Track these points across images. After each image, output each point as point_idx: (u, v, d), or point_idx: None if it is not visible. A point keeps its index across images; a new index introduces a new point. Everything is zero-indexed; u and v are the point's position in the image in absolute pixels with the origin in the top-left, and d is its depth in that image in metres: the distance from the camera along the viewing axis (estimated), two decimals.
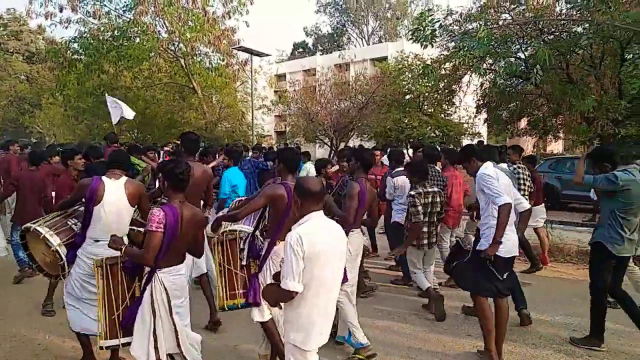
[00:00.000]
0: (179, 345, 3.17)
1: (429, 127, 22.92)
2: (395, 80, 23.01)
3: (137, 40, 16.84)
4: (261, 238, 3.82)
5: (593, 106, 9.86)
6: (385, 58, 33.21)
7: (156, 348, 3.10)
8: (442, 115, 24.47)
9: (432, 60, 22.98)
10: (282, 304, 2.86)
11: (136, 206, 3.88)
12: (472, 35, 7.45)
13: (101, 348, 3.38)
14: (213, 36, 15.70)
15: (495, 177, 3.95)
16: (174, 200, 3.15)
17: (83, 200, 3.74)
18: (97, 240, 3.63)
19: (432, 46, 7.65)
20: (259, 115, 22.41)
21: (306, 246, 2.58)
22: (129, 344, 3.23)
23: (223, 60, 17.30)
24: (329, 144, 19.90)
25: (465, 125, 25.81)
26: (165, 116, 20.19)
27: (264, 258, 3.67)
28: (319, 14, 51.22)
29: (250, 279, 3.72)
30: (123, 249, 3.15)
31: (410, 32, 7.78)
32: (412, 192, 5.10)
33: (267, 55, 15.39)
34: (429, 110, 24.61)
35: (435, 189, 5.30)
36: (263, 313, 3.67)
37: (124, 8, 16.49)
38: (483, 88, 15.84)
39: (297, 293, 2.62)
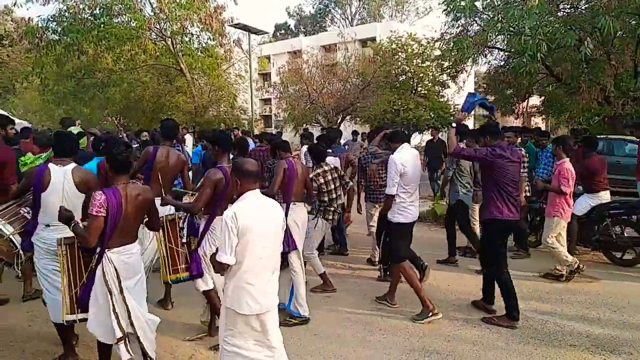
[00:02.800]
0: (132, 325, 3.25)
1: (424, 109, 22.39)
2: (388, 60, 22.41)
3: (120, 18, 15.69)
4: (197, 217, 4.16)
5: (612, 84, 9.46)
6: (373, 39, 32.47)
7: (119, 324, 3.19)
8: (436, 97, 24.03)
9: (427, 40, 22.62)
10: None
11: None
12: (517, 6, 6.84)
13: (65, 322, 3.48)
14: (204, 14, 14.65)
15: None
16: (117, 182, 3.24)
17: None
18: (48, 225, 3.67)
19: (470, 17, 7.08)
20: (249, 99, 21.54)
21: (240, 222, 2.80)
22: (85, 320, 3.34)
23: (213, 40, 16.22)
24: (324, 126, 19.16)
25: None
26: (152, 100, 19.09)
27: (203, 233, 4.02)
28: None
29: (191, 254, 4.09)
30: (72, 225, 3.22)
31: (443, 3, 7.23)
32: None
33: (265, 32, 14.49)
34: (423, 92, 24.15)
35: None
36: (207, 282, 4.09)
37: None
38: (491, 67, 15.40)
39: (229, 265, 2.85)
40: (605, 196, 6.40)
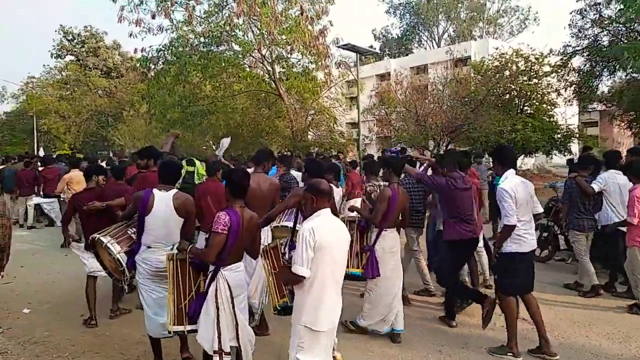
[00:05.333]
0: (237, 338, 3.41)
1: (533, 130, 20.58)
2: (492, 79, 20.99)
3: (225, 46, 15.93)
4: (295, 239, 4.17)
5: None
6: (467, 58, 31.10)
7: (219, 338, 3.36)
8: (545, 116, 22.12)
9: (535, 56, 21.04)
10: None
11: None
12: None
13: (169, 332, 3.66)
14: (309, 37, 14.41)
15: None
16: (234, 204, 3.50)
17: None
18: (149, 247, 3.92)
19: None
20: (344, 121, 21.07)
21: (317, 237, 2.99)
22: (194, 331, 3.55)
23: (316, 63, 15.94)
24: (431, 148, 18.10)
25: (573, 127, 23.28)
26: (251, 125, 19.27)
27: None
28: (389, 18, 49.44)
29: None
30: (188, 249, 3.60)
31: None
32: None
33: (374, 52, 13.95)
34: (529, 112, 22.36)
35: None
36: None
37: (215, 10, 15.52)
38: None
39: (304, 278, 3.01)
40: None
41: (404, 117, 17.20)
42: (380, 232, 4.61)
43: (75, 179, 9.36)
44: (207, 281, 3.46)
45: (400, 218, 4.89)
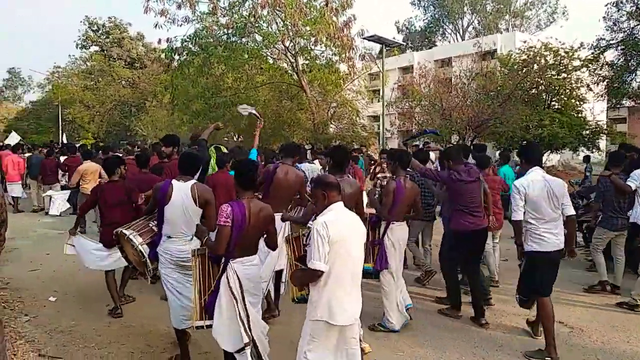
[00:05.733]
0: (250, 331, 3.33)
1: (561, 126, 20.01)
2: (519, 72, 20.47)
3: (250, 37, 15.82)
4: None
5: None
6: (494, 51, 30.40)
7: (245, 330, 3.28)
8: (574, 112, 21.49)
9: (565, 50, 20.44)
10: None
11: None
12: None
13: (196, 327, 3.62)
14: (335, 28, 14.21)
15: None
16: (243, 196, 3.43)
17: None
18: (170, 237, 3.96)
19: None
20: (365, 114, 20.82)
21: (331, 231, 2.93)
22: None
23: (339, 55, 15.73)
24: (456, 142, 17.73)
25: (601, 124, 22.62)
26: (272, 117, 19.19)
27: None
28: (413, 10, 48.75)
29: None
30: (204, 240, 3.58)
31: None
32: None
33: (401, 44, 13.68)
34: (557, 107, 21.76)
35: None
36: None
37: (239, 1, 15.44)
38: None
39: (322, 272, 2.95)
40: None
41: (428, 110, 16.86)
42: (389, 225, 4.67)
43: (90, 170, 9.35)
44: (219, 274, 3.41)
45: (413, 212, 4.95)
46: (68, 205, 10.21)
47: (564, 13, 46.63)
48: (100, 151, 11.91)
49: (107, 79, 38.41)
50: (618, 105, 24.46)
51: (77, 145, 17.41)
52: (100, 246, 5.10)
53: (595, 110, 24.38)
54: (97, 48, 42.67)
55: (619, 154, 6.74)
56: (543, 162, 22.00)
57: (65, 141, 26.22)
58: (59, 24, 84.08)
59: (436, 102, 16.50)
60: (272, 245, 3.77)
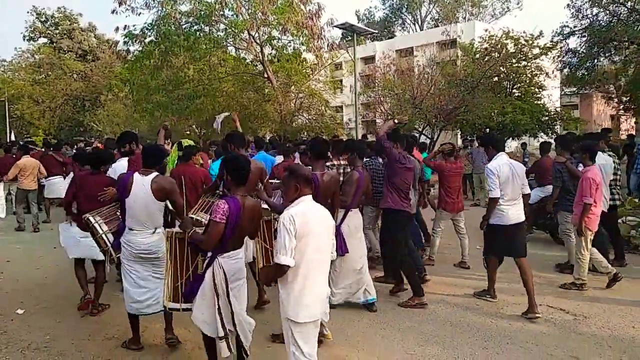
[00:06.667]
0: (234, 325, 3.37)
1: (522, 113, 20.48)
2: (481, 61, 20.75)
3: (215, 27, 15.20)
4: None
5: None
6: (454, 41, 30.75)
7: (222, 323, 3.32)
8: (533, 98, 22.01)
9: (525, 38, 20.86)
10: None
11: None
12: None
13: (165, 307, 3.78)
14: (302, 17, 13.83)
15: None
16: (236, 192, 3.38)
17: None
18: (131, 229, 3.97)
19: None
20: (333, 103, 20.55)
21: (298, 225, 2.90)
22: (188, 309, 3.58)
23: (308, 44, 15.35)
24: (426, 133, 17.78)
25: (559, 110, 23.32)
26: (238, 110, 18.60)
27: None
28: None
29: None
30: (189, 233, 3.49)
31: None
32: None
33: (373, 32, 13.49)
34: (517, 94, 22.25)
35: None
36: None
37: None
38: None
39: (288, 267, 2.91)
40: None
41: (398, 98, 16.78)
42: (347, 213, 4.91)
43: (28, 165, 9.77)
44: (205, 266, 3.42)
45: (363, 197, 5.29)
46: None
47: (518, 3, 47.84)
48: (51, 147, 11.47)
49: (57, 72, 36.48)
50: (581, 92, 25.25)
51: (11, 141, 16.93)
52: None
53: (555, 96, 25.14)
54: (45, 40, 40.49)
55: (567, 138, 7.07)
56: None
57: (13, 139, 24.77)
58: (3, 15, 79.25)
59: (407, 91, 16.43)
60: (253, 235, 3.88)
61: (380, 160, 6.52)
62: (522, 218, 4.98)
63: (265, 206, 4.47)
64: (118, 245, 4.06)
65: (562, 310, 4.79)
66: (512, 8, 47.57)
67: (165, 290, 3.68)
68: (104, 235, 4.15)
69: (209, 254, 3.40)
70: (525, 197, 5.08)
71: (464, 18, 44.91)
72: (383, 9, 50.60)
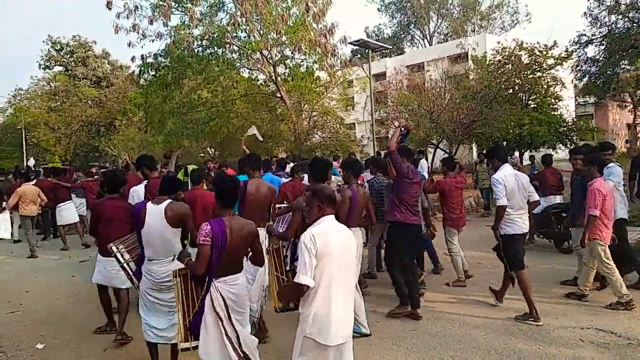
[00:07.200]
0: (241, 346, 3.28)
1: (539, 124, 20.13)
2: (495, 73, 20.53)
3: (229, 47, 15.19)
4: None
5: None
6: (465, 54, 30.61)
7: (234, 348, 3.23)
8: (550, 109, 21.66)
9: (539, 49, 20.62)
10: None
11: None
12: None
13: (181, 349, 3.59)
14: (317, 34, 13.77)
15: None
16: (223, 214, 3.36)
17: None
18: (150, 259, 3.97)
19: None
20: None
21: (319, 244, 2.86)
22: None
23: (319, 62, 15.27)
24: (443, 148, 17.48)
25: (577, 121, 22.92)
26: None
27: None
28: (380, 17, 49.02)
29: None
30: (185, 261, 3.48)
31: None
32: None
33: (387, 47, 13.38)
34: (533, 105, 21.92)
35: None
36: None
37: (213, 11, 14.84)
38: None
39: (308, 287, 2.83)
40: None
41: (415, 113, 16.58)
42: None
43: (29, 192, 9.99)
44: (202, 294, 3.37)
45: (365, 215, 5.29)
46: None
47: (527, 15, 47.75)
48: (51, 174, 11.51)
49: (73, 100, 36.97)
50: (598, 101, 24.88)
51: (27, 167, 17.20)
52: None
53: (571, 107, 24.74)
54: (61, 68, 41.17)
55: (581, 149, 6.96)
56: (521, 160, 22.22)
57: (32, 165, 24.95)
58: (20, 46, 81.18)
59: (422, 106, 16.24)
60: (259, 262, 3.70)
61: (384, 178, 6.71)
62: (527, 229, 5.19)
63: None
64: (140, 274, 4.08)
65: (612, 333, 4.47)
66: (522, 21, 47.40)
67: (178, 330, 3.59)
68: (125, 265, 4.19)
69: (206, 281, 3.34)
70: (534, 203, 5.28)
71: (473, 31, 44.84)
72: (391, 27, 50.73)
